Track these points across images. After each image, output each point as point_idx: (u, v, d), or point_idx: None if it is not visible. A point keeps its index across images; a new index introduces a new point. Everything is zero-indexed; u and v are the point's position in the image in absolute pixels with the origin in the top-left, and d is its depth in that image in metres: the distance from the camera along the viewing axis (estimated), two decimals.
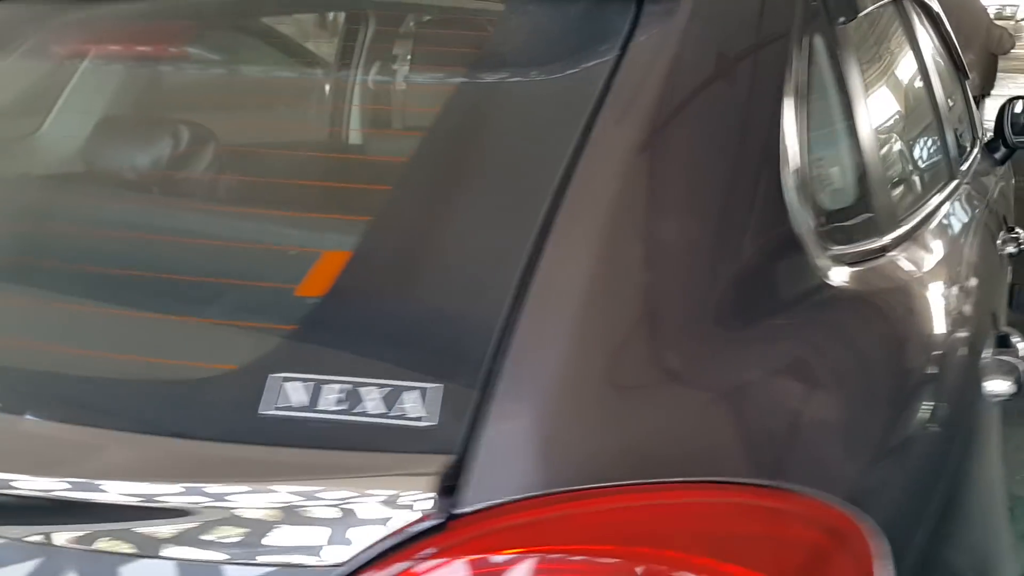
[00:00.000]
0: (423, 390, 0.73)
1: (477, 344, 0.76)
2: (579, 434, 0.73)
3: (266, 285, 0.92)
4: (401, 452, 0.71)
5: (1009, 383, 1.36)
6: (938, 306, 1.28)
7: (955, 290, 1.40)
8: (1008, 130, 2.50)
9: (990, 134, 2.64)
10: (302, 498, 0.69)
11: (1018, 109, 2.48)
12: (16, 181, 1.23)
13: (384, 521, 0.68)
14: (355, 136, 1.39)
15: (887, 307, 1.13)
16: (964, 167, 2.05)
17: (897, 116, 1.67)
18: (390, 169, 1.01)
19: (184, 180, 1.17)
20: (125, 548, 0.70)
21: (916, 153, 1.74)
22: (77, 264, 0.98)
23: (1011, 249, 2.13)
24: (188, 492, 0.70)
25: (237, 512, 0.70)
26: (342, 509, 0.69)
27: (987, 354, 1.41)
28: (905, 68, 1.82)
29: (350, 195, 1.04)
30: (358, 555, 0.67)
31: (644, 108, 0.92)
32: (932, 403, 1.09)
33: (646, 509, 0.71)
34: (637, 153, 0.89)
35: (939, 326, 1.23)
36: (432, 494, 0.68)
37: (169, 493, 0.70)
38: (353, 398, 0.74)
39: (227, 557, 0.69)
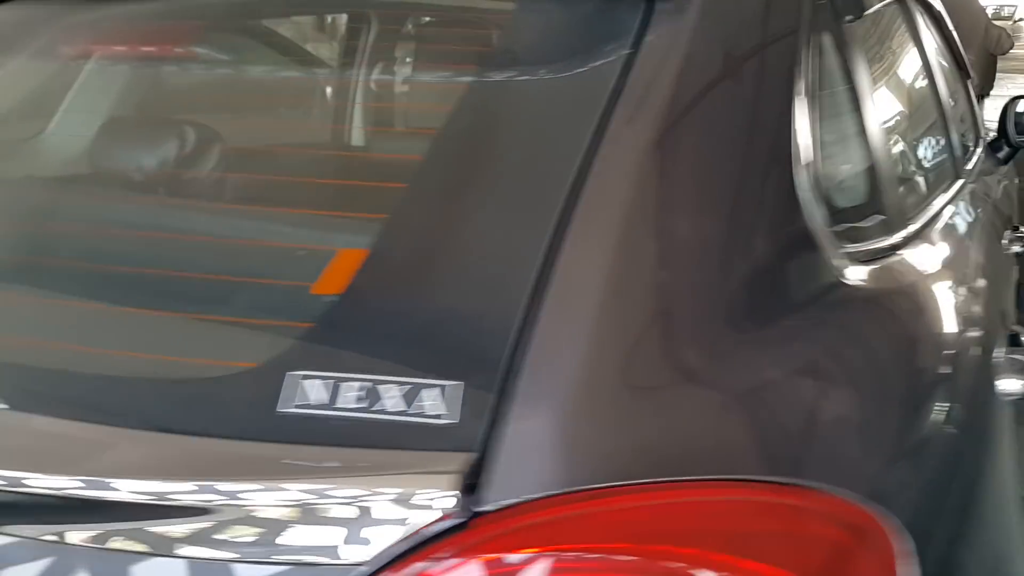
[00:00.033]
0: (442, 388, 0.73)
1: (495, 342, 0.75)
2: (598, 432, 0.73)
3: (282, 283, 0.92)
4: (421, 450, 0.71)
5: (1022, 382, 1.35)
6: (950, 305, 1.27)
7: (966, 289, 1.40)
8: (1011, 130, 2.49)
9: (992, 134, 2.64)
10: (321, 496, 0.68)
11: (1021, 108, 2.48)
12: (32, 181, 1.23)
13: (405, 520, 0.67)
14: (369, 135, 1.38)
15: (900, 305, 1.12)
16: (968, 166, 2.05)
17: (904, 114, 1.67)
18: (405, 167, 1.01)
19: (198, 180, 1.17)
20: (142, 547, 0.69)
21: (923, 152, 1.74)
22: (94, 264, 0.98)
23: (1017, 248, 2.12)
24: (205, 490, 0.69)
25: (256, 511, 0.69)
26: (362, 507, 0.68)
27: (999, 353, 1.41)
28: (910, 67, 1.82)
29: (364, 193, 1.04)
30: (379, 554, 0.67)
31: (658, 106, 0.92)
32: (947, 402, 1.08)
33: (665, 507, 0.70)
34: (652, 151, 0.88)
35: (951, 325, 1.23)
36: (454, 492, 0.67)
37: (186, 492, 0.69)
38: (372, 396, 0.73)
39: (245, 556, 0.69)
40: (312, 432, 0.72)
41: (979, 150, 2.33)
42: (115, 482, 0.71)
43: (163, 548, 0.70)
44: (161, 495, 0.70)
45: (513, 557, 0.67)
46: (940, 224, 1.49)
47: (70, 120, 1.33)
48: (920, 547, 0.80)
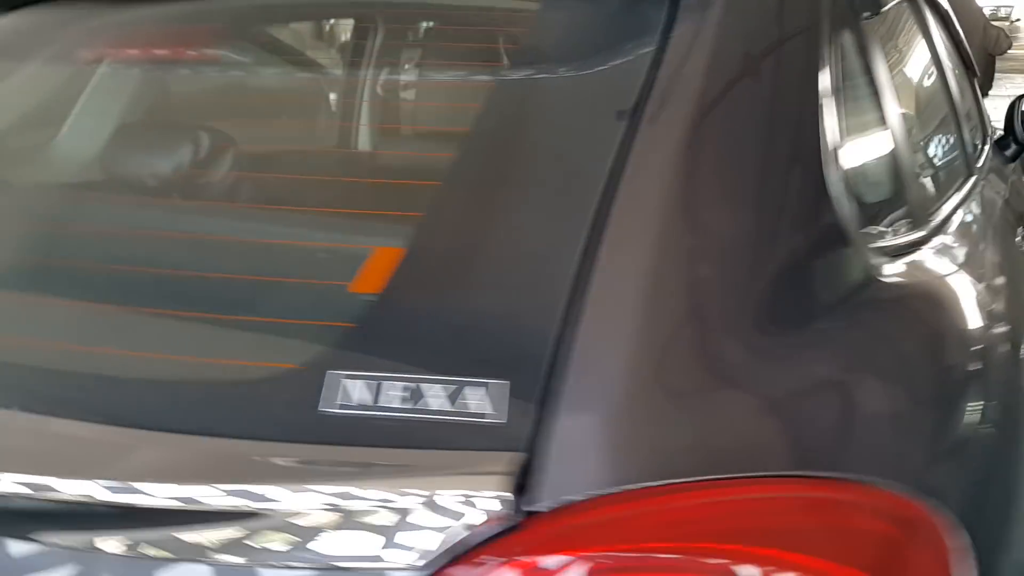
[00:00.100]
0: (487, 386, 0.72)
1: (537, 339, 0.74)
2: (646, 430, 0.71)
3: (318, 283, 0.91)
4: (468, 450, 0.69)
5: None
6: (977, 300, 1.27)
7: (989, 284, 1.39)
8: (1019, 127, 2.50)
9: (999, 132, 2.64)
10: (367, 498, 0.67)
11: None
12: (67, 185, 1.22)
13: (455, 521, 0.66)
14: (401, 133, 1.37)
15: (930, 301, 1.12)
16: (979, 164, 2.05)
17: (921, 111, 1.67)
18: (437, 166, 1.00)
19: (232, 182, 1.16)
20: (180, 554, 0.68)
21: (940, 148, 1.74)
22: (134, 267, 0.96)
23: None
24: (247, 494, 0.68)
25: (300, 514, 0.68)
26: (410, 509, 0.67)
27: None
28: (924, 64, 1.82)
29: (397, 192, 1.03)
30: (432, 559, 0.65)
31: (689, 102, 0.91)
32: (985, 397, 1.07)
33: (716, 506, 0.69)
34: (685, 147, 0.87)
35: (980, 321, 1.22)
36: (506, 493, 0.66)
37: (228, 495, 0.68)
38: (415, 395, 0.72)
39: (289, 562, 0.67)
40: (355, 432, 0.71)
41: (987, 147, 2.33)
42: (153, 487, 0.69)
43: (202, 554, 0.68)
44: (201, 499, 0.68)
45: (567, 558, 0.65)
46: (959, 220, 1.48)
47: (104, 124, 1.32)
48: (974, 543, 0.79)
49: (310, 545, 0.68)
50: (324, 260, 0.94)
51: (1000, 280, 1.48)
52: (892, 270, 1.04)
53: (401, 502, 0.67)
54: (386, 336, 0.78)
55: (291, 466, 0.70)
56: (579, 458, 0.69)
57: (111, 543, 0.70)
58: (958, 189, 1.64)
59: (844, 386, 0.84)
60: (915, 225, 1.24)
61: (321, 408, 0.72)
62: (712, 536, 0.68)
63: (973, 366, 1.09)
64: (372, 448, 0.70)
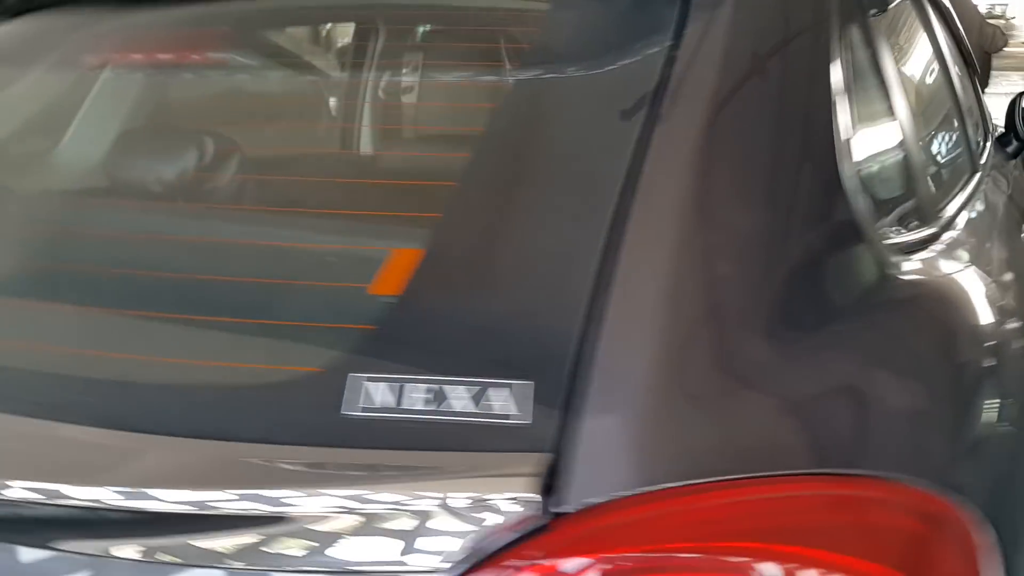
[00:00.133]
0: (511, 387, 0.71)
1: (561, 339, 0.73)
2: (674, 429, 0.71)
3: (336, 285, 0.90)
4: (495, 451, 0.69)
5: None
6: (988, 296, 1.26)
7: (999, 280, 1.39)
8: (1020, 124, 2.50)
9: (1000, 129, 2.65)
10: (394, 501, 0.66)
11: None
12: (79, 191, 1.21)
13: (483, 524, 0.65)
14: (415, 134, 1.36)
15: (945, 296, 1.11)
16: (982, 160, 2.05)
17: (928, 108, 1.67)
18: (453, 167, 0.99)
19: (246, 186, 1.15)
20: (208, 560, 0.67)
21: (947, 144, 1.74)
22: (152, 272, 0.95)
23: None
24: (271, 499, 0.67)
25: (324, 518, 0.67)
26: (437, 512, 0.66)
27: None
28: (929, 61, 1.82)
29: (413, 193, 1.02)
30: (458, 562, 0.65)
31: (705, 99, 0.91)
32: (1002, 393, 1.07)
33: (745, 504, 0.69)
34: (703, 144, 0.87)
35: (993, 315, 1.21)
36: (534, 495, 0.65)
37: (251, 500, 0.67)
38: (439, 396, 0.71)
39: (315, 567, 0.67)
40: (378, 435, 0.70)
41: (989, 144, 2.34)
42: (175, 492, 0.68)
43: (222, 560, 0.67)
44: (222, 504, 0.68)
45: (594, 560, 0.65)
46: (968, 216, 1.48)
47: (116, 128, 1.31)
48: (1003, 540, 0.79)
49: (333, 550, 0.67)
50: (342, 263, 0.93)
51: (1009, 276, 1.48)
52: (907, 267, 1.04)
53: (426, 505, 0.66)
54: (407, 338, 0.78)
55: (314, 470, 0.70)
56: (605, 459, 0.68)
57: (130, 549, 0.69)
58: (964, 185, 1.64)
59: (865, 383, 0.83)
60: (926, 221, 1.23)
61: (343, 411, 0.71)
62: (739, 535, 0.68)
63: (990, 362, 1.09)
64: (396, 451, 0.70)
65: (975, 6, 5.30)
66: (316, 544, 0.67)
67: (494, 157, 0.92)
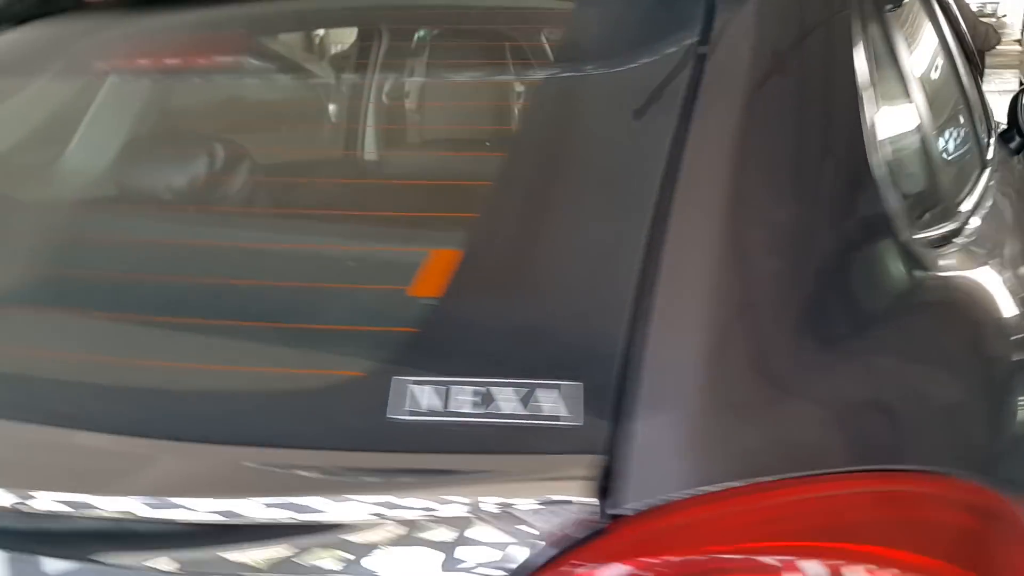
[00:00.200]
0: (560, 388, 0.69)
1: (607, 338, 0.72)
2: (729, 427, 0.69)
3: (375, 288, 0.88)
4: (547, 453, 0.67)
5: None
6: (1012, 288, 1.26)
7: (1018, 272, 1.38)
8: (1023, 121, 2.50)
9: (1002, 125, 2.65)
10: (447, 506, 0.65)
11: None
12: (107, 198, 1.19)
13: (539, 528, 0.64)
14: (451, 133, 1.34)
15: (977, 290, 1.10)
16: (989, 156, 2.05)
17: (941, 102, 1.66)
18: (487, 166, 0.98)
19: (280, 190, 1.13)
20: (262, 568, 0.65)
21: (960, 140, 1.74)
22: (190, 278, 0.94)
23: None
24: (320, 506, 0.65)
25: (375, 525, 0.65)
26: (490, 516, 0.64)
27: None
28: (939, 56, 1.82)
29: (450, 193, 1.00)
30: (516, 568, 0.63)
31: (739, 93, 0.90)
32: None
33: (806, 503, 0.67)
34: (740, 139, 0.86)
35: (1020, 308, 1.21)
36: (591, 498, 0.64)
37: (302, 507, 0.65)
38: (486, 399, 0.69)
39: (370, 573, 0.65)
40: (426, 439, 0.69)
41: (993, 140, 2.34)
42: (229, 502, 0.66)
43: (283, 568, 0.66)
44: (266, 514, 0.66)
45: (655, 562, 0.63)
46: (985, 211, 1.48)
47: (132, 133, 1.29)
48: None
49: (381, 559, 0.65)
50: (379, 265, 0.91)
51: None
52: (937, 262, 1.03)
53: (480, 510, 0.65)
54: (449, 339, 0.76)
55: (360, 475, 0.68)
56: (662, 459, 0.67)
57: (165, 560, 0.67)
58: (977, 181, 1.64)
59: (911, 378, 0.82)
60: (947, 216, 1.23)
61: (389, 415, 0.69)
62: (800, 534, 0.66)
63: (1021, 355, 1.08)
64: (445, 455, 0.68)
65: (967, 5, 5.32)
66: (364, 553, 0.65)
67: (529, 156, 0.90)
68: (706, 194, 0.80)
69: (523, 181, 0.87)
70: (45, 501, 0.68)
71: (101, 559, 0.70)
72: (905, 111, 1.26)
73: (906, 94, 1.28)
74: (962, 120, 1.85)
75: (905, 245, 0.97)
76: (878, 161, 0.99)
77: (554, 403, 0.69)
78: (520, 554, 0.63)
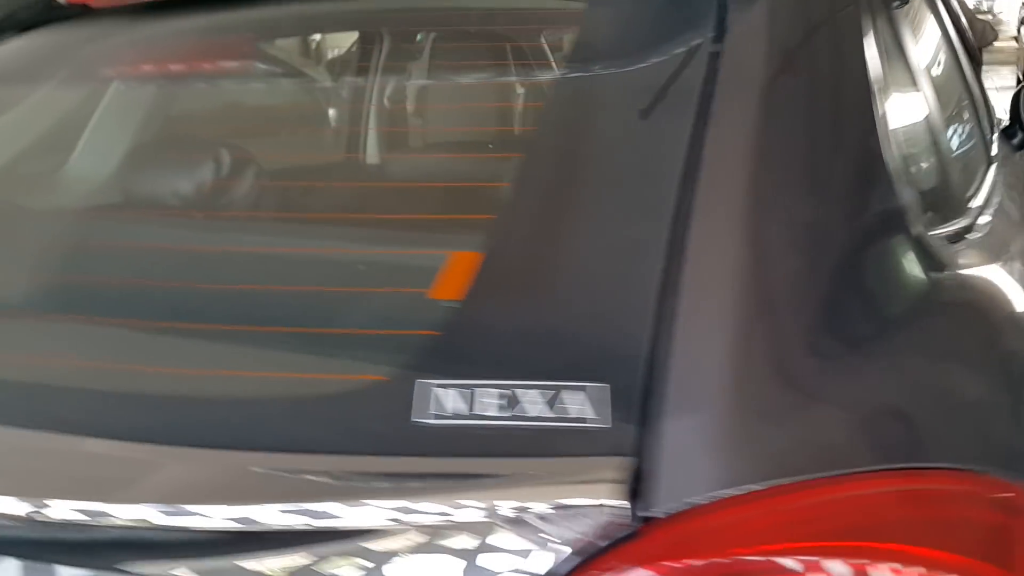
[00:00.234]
0: (586, 389, 0.69)
1: (633, 339, 0.71)
2: (759, 427, 0.69)
3: (395, 291, 0.87)
4: (575, 456, 0.66)
5: None
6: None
7: None
8: None
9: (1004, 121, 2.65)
10: (475, 510, 0.64)
11: None
12: (124, 204, 1.18)
13: (571, 532, 0.63)
14: (466, 135, 1.34)
15: (996, 285, 1.10)
16: (994, 152, 2.05)
17: (949, 98, 1.66)
18: (505, 167, 0.97)
19: (296, 194, 1.12)
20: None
21: (967, 135, 1.74)
22: (208, 283, 0.93)
23: None
24: (344, 511, 0.64)
25: (402, 530, 0.64)
26: (520, 521, 0.63)
27: None
28: (945, 53, 1.82)
29: (468, 195, 1.00)
30: (547, 572, 0.62)
31: (756, 90, 0.89)
32: None
33: (838, 503, 0.66)
34: (759, 136, 0.85)
35: None
36: (621, 501, 0.63)
37: (325, 514, 0.65)
38: (512, 402, 0.69)
39: None
40: (452, 443, 0.68)
41: (995, 136, 2.34)
42: (245, 509, 0.66)
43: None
44: (306, 518, 0.65)
45: (688, 564, 0.62)
46: (993, 207, 1.47)
47: (145, 139, 1.28)
48: None
49: (408, 564, 0.64)
50: (399, 269, 0.91)
51: None
52: (955, 258, 1.02)
53: (506, 514, 0.64)
54: (472, 342, 0.75)
55: (387, 480, 0.67)
56: (692, 460, 0.66)
57: (200, 571, 0.66)
58: (984, 176, 1.63)
59: (939, 375, 0.81)
60: (960, 212, 1.22)
61: (414, 418, 0.69)
62: (833, 534, 0.66)
63: None
64: (472, 458, 0.67)
65: (964, 2, 5.33)
66: (387, 560, 0.64)
67: (546, 156, 0.90)
68: (727, 193, 0.79)
69: (541, 182, 0.86)
70: (61, 510, 0.67)
71: (119, 567, 0.69)
72: (916, 107, 1.26)
73: (916, 90, 1.28)
74: (967, 116, 1.85)
75: (922, 242, 0.96)
76: (893, 157, 0.98)
77: (581, 405, 0.68)
78: (549, 559, 0.63)
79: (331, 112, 1.23)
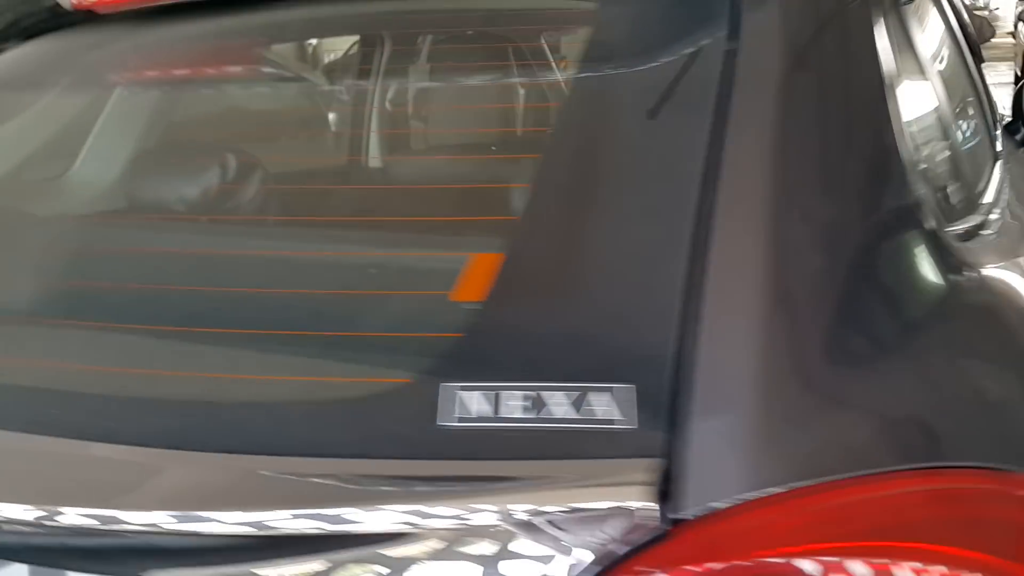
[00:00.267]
0: (612, 391, 0.68)
1: (657, 339, 0.70)
2: (788, 427, 0.68)
3: (417, 294, 0.87)
4: (602, 458, 0.66)
5: None
6: None
7: None
8: None
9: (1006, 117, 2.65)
10: (503, 514, 0.63)
11: None
12: (142, 208, 1.17)
13: (599, 535, 0.62)
14: (487, 137, 1.33)
15: (1011, 281, 1.09)
16: (999, 148, 2.05)
17: (957, 94, 1.66)
18: (524, 168, 0.96)
19: (319, 196, 1.12)
20: None
21: (973, 131, 1.73)
22: (229, 288, 0.92)
23: None
24: (370, 515, 0.64)
25: (427, 534, 0.64)
26: (548, 524, 0.63)
27: None
28: (951, 48, 1.82)
29: (488, 197, 0.99)
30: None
31: (774, 87, 0.89)
32: None
33: (869, 502, 0.66)
34: (779, 134, 0.85)
35: None
36: (649, 503, 0.62)
37: (356, 519, 0.64)
38: (537, 403, 0.68)
39: None
40: (478, 446, 0.67)
41: (999, 132, 2.34)
42: (271, 515, 0.65)
43: None
44: (322, 523, 0.64)
45: (719, 566, 0.62)
46: (1003, 203, 1.47)
47: (157, 144, 1.27)
48: None
49: (434, 569, 0.64)
50: (420, 271, 0.90)
51: None
52: (972, 255, 1.02)
53: (533, 518, 0.63)
54: (495, 344, 0.75)
55: (413, 484, 0.66)
56: (721, 461, 0.65)
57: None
58: (992, 172, 1.63)
59: (966, 373, 0.81)
60: (973, 209, 1.22)
61: (439, 422, 0.68)
62: (861, 535, 0.65)
63: None
64: (499, 461, 0.67)
65: None
66: (409, 565, 0.64)
67: (566, 157, 0.89)
68: (749, 192, 0.79)
69: (561, 183, 0.86)
70: (72, 515, 0.66)
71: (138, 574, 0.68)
72: (928, 103, 1.25)
73: (927, 86, 1.28)
74: (973, 112, 1.85)
75: (941, 240, 0.95)
76: (909, 153, 0.98)
77: (607, 406, 0.67)
78: (580, 562, 0.62)
79: (349, 116, 1.22)
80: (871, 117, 0.97)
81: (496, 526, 0.63)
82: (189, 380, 0.80)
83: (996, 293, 1.00)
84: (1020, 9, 7.83)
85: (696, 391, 0.67)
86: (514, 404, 0.68)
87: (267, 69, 1.29)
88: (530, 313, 0.77)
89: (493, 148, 1.24)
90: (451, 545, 0.64)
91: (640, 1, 1.04)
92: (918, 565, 0.63)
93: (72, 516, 0.67)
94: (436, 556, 0.64)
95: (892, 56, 1.09)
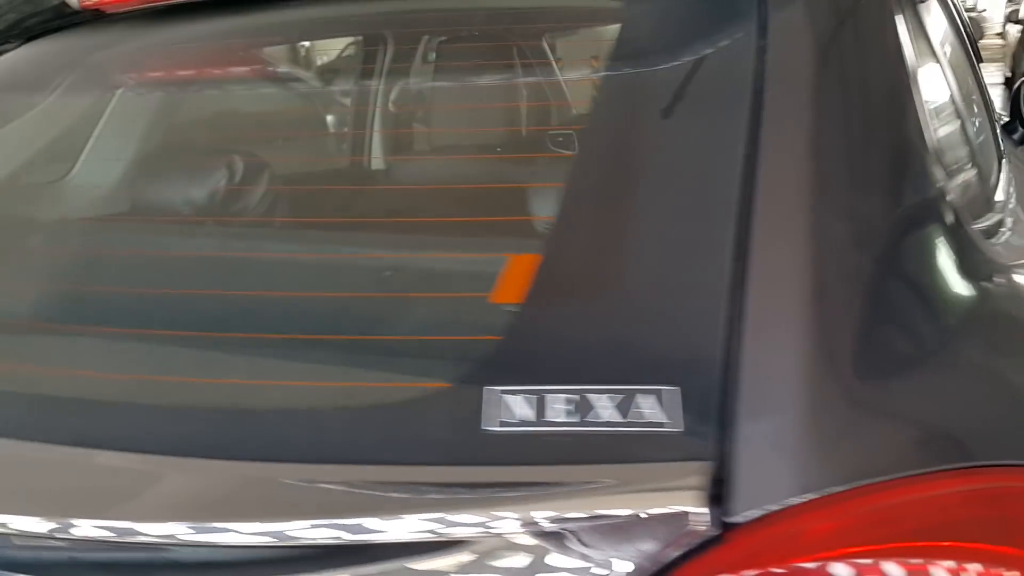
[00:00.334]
0: (658, 393, 0.67)
1: (702, 340, 0.69)
2: (839, 428, 0.67)
3: (456, 296, 0.85)
4: (651, 462, 0.64)
5: None
6: None
7: None
8: None
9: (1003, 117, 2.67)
10: (552, 520, 0.62)
11: None
12: (161, 211, 1.15)
13: (651, 540, 0.61)
14: (518, 136, 1.31)
15: None
16: (1001, 146, 2.05)
17: (967, 92, 1.66)
18: (559, 168, 0.95)
19: (351, 197, 1.10)
20: None
21: (982, 130, 1.74)
22: (266, 292, 0.90)
23: None
24: (422, 522, 0.62)
25: (473, 541, 0.62)
26: (598, 530, 0.62)
27: None
28: (958, 48, 1.82)
29: (523, 196, 0.97)
30: None
31: (806, 84, 0.87)
32: None
33: (930, 501, 0.65)
34: (815, 131, 0.84)
35: None
36: (702, 507, 0.61)
37: (399, 527, 0.62)
38: (583, 407, 0.67)
39: None
40: (524, 450, 0.66)
41: (999, 132, 2.35)
42: (304, 524, 0.63)
43: None
44: (369, 531, 0.63)
45: (775, 570, 0.61)
46: (1012, 201, 1.47)
47: (169, 145, 1.25)
48: None
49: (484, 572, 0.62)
50: (458, 273, 0.88)
51: None
52: (999, 253, 1.01)
53: (582, 523, 0.62)
54: (536, 346, 0.73)
55: (459, 490, 0.65)
56: (773, 464, 0.64)
57: None
58: (999, 171, 1.63)
59: (1005, 372, 0.80)
60: (990, 206, 1.21)
61: (484, 426, 0.66)
62: (915, 535, 0.64)
63: None
64: (545, 466, 0.65)
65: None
66: (455, 571, 0.62)
67: (601, 156, 0.88)
68: (788, 189, 0.78)
69: (598, 182, 0.84)
70: (85, 527, 0.65)
71: None
72: (946, 100, 1.25)
73: (945, 83, 1.28)
74: (979, 111, 1.85)
75: (970, 236, 0.95)
76: (936, 149, 0.97)
77: (653, 409, 0.66)
78: (631, 568, 0.61)
79: (380, 116, 1.20)
80: (899, 112, 0.96)
81: (545, 531, 0.62)
82: (219, 387, 0.78)
83: (1017, 290, 0.99)
84: (1009, 10, 7.88)
85: (743, 392, 0.66)
86: (559, 408, 0.67)
87: (280, 69, 1.27)
88: (570, 314, 0.75)
89: (499, 149, 1.22)
90: (500, 551, 0.62)
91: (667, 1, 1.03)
92: (953, 564, 0.62)
93: (86, 528, 0.65)
94: (483, 562, 0.62)
95: (913, 52, 1.09)
